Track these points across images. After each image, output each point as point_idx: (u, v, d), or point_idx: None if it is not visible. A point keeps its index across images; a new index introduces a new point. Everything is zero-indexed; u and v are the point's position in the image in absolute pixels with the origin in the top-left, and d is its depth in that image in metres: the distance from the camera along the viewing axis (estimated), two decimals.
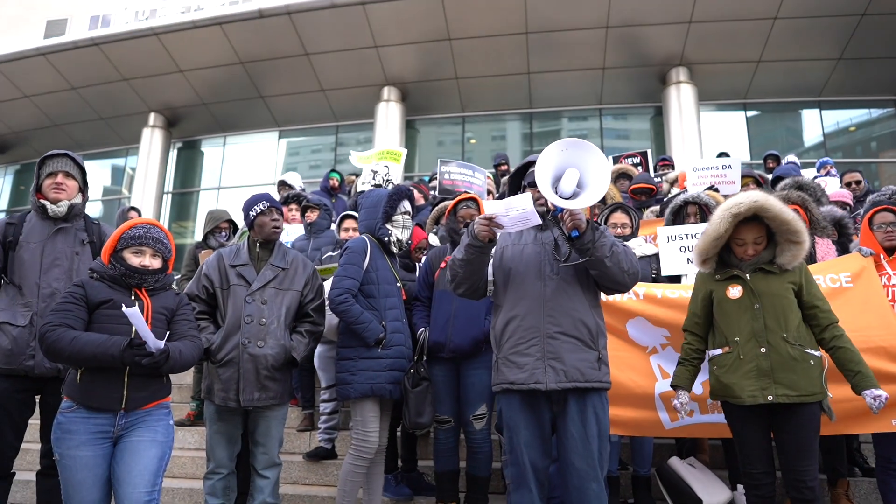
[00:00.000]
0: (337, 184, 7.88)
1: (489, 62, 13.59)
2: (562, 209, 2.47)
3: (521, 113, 15.29)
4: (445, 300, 3.73)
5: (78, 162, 3.36)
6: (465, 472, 3.83)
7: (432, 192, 6.83)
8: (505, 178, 7.73)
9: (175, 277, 4.81)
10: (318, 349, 4.50)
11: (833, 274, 3.50)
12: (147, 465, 2.58)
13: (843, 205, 5.63)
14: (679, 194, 5.11)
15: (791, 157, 9.65)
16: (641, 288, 3.67)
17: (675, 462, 3.73)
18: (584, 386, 2.53)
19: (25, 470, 4.17)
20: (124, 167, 17.28)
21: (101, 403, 2.55)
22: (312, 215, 5.73)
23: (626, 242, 4.19)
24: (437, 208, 5.05)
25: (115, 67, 14.24)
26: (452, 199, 4.88)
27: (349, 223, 4.95)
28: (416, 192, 6.58)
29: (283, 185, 8.14)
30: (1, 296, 3.17)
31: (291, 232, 5.72)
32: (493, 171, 9.36)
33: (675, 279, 4.20)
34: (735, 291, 2.91)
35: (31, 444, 3.81)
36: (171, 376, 2.88)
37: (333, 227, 5.78)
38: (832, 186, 6.82)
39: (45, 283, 3.12)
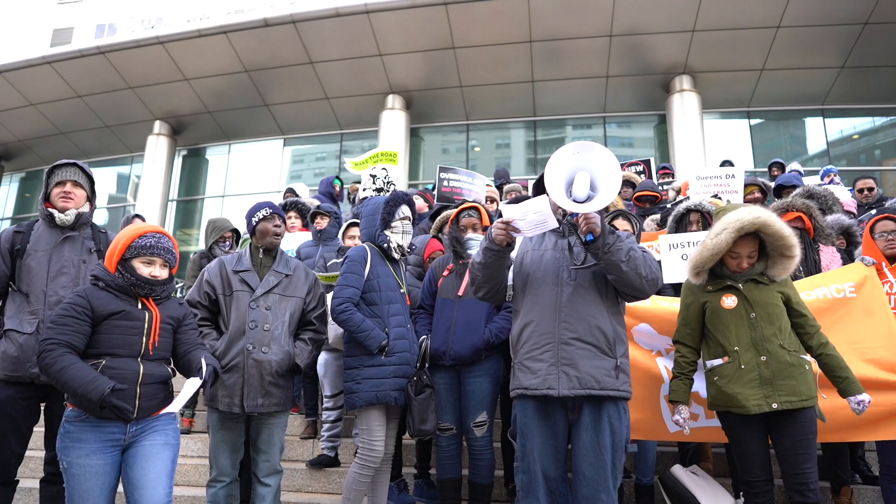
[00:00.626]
0: (338, 190, 7.88)
1: (493, 70, 13.66)
2: (577, 213, 2.48)
3: (525, 121, 15.34)
4: (447, 308, 3.74)
5: (86, 171, 3.39)
6: (467, 480, 3.82)
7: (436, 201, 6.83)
8: (508, 188, 7.74)
9: (178, 285, 4.83)
10: (324, 357, 4.50)
11: (838, 284, 3.49)
12: (162, 467, 2.61)
13: (847, 213, 5.63)
14: (681, 202, 5.11)
15: (794, 166, 9.65)
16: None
17: (677, 470, 3.71)
18: (599, 394, 2.49)
19: (28, 477, 4.18)
20: (129, 175, 17.39)
21: (111, 414, 2.52)
22: (322, 222, 5.61)
23: None
24: (439, 218, 5.04)
25: (121, 75, 14.36)
26: (451, 206, 4.90)
27: (354, 231, 4.95)
28: (421, 201, 6.59)
29: (290, 192, 8.16)
30: (8, 303, 3.20)
31: (292, 240, 5.65)
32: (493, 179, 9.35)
33: (678, 287, 4.20)
34: (730, 301, 2.92)
35: (34, 451, 3.83)
36: None
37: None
38: (837, 194, 6.81)
39: (52, 290, 3.14)
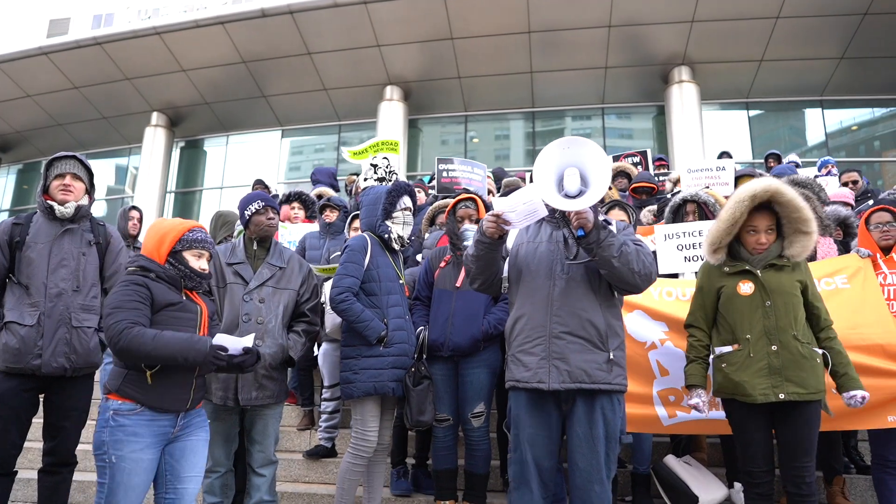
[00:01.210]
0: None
1: (492, 61, 13.61)
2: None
3: (523, 112, 15.31)
4: (445, 299, 3.75)
5: (85, 164, 3.39)
6: (464, 470, 3.85)
7: (431, 192, 6.80)
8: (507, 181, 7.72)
9: None
10: (323, 347, 4.51)
11: (828, 277, 3.51)
12: (202, 461, 2.69)
13: (844, 204, 5.63)
14: (677, 193, 5.11)
15: (792, 157, 9.64)
16: None
17: (671, 460, 3.73)
18: (590, 387, 2.49)
19: (27, 468, 4.21)
20: (127, 166, 17.36)
21: (170, 405, 2.53)
22: (332, 215, 5.46)
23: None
24: (431, 208, 5.03)
25: (118, 67, 14.31)
26: (450, 198, 4.89)
27: (359, 223, 4.93)
28: (421, 193, 6.56)
29: (259, 183, 7.86)
30: (7, 295, 3.21)
31: (295, 231, 5.61)
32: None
33: (672, 278, 4.21)
34: (746, 288, 2.87)
35: (32, 442, 3.84)
36: None
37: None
38: (832, 186, 6.82)
39: (53, 283, 3.15)
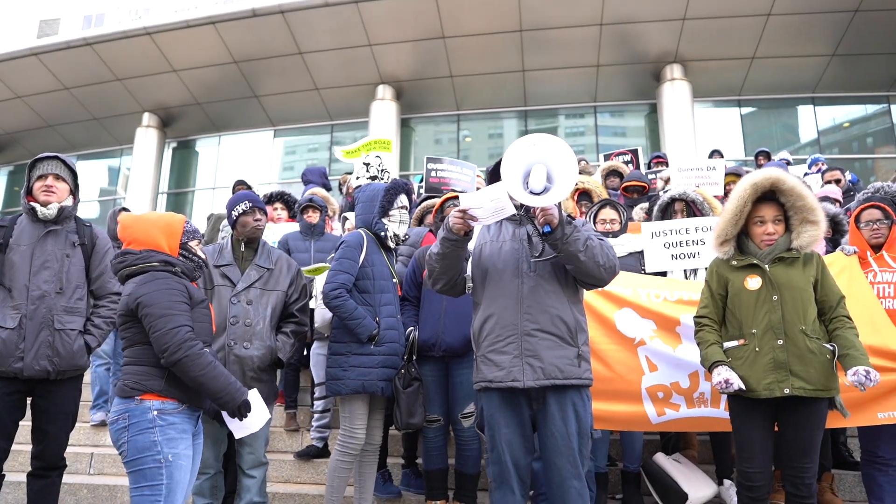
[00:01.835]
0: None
1: (484, 60, 13.61)
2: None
3: (516, 111, 15.31)
4: (435, 299, 3.73)
5: (69, 164, 3.35)
6: (454, 470, 3.85)
7: (421, 192, 6.77)
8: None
9: None
10: (315, 346, 4.49)
11: None
12: (198, 462, 2.71)
13: (832, 201, 5.65)
14: (666, 191, 5.12)
15: (783, 154, 9.68)
16: (630, 282, 3.68)
17: (660, 458, 3.74)
18: (563, 383, 2.51)
19: (17, 471, 4.19)
20: (119, 167, 17.29)
21: (204, 404, 2.60)
22: (315, 216, 5.31)
23: (614, 239, 4.23)
24: (419, 207, 5.02)
25: (109, 67, 14.24)
26: (438, 197, 4.88)
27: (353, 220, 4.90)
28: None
29: (242, 184, 7.72)
30: None
31: (277, 231, 5.57)
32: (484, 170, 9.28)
33: (660, 275, 4.22)
34: (754, 283, 2.84)
35: (23, 445, 3.83)
36: None
37: (334, 230, 5.68)
38: (818, 184, 6.85)
39: (35, 285, 3.12)
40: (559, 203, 2.48)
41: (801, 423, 2.74)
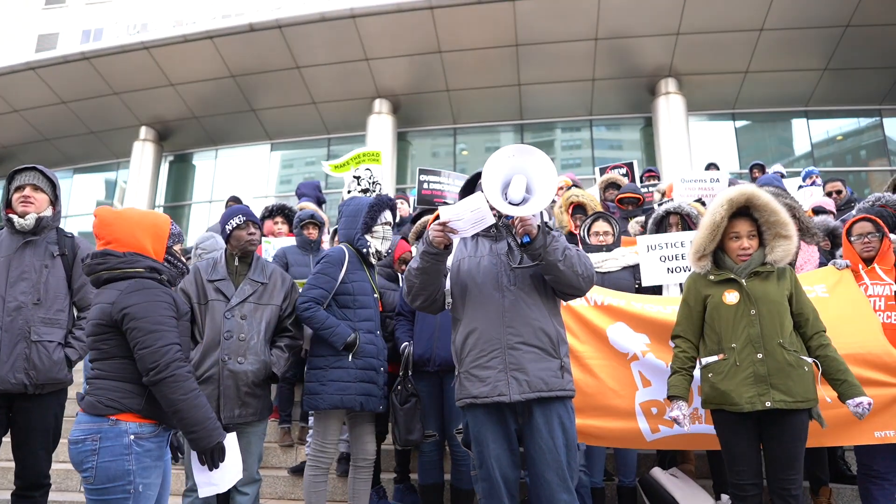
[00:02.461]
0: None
1: (480, 74, 13.68)
2: (512, 216, 2.48)
3: (512, 124, 15.37)
4: (429, 314, 3.73)
5: (48, 175, 3.30)
6: (450, 485, 3.82)
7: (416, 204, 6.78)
8: None
9: None
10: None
11: (808, 286, 3.51)
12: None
13: (825, 211, 5.67)
14: (662, 204, 5.13)
15: (777, 167, 9.71)
16: (622, 298, 3.68)
17: (657, 473, 3.72)
18: (548, 395, 2.50)
19: (6, 489, 4.14)
20: (116, 181, 17.27)
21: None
22: (315, 232, 5.37)
23: (608, 252, 4.24)
24: (419, 223, 5.02)
25: (106, 81, 14.27)
26: (433, 209, 4.88)
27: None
28: (403, 205, 6.54)
29: (234, 200, 7.68)
30: None
31: (277, 245, 5.58)
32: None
33: (656, 290, 4.21)
34: (732, 297, 2.88)
35: (9, 462, 3.78)
36: None
37: (324, 244, 5.68)
38: (818, 195, 6.87)
39: (11, 296, 3.08)
40: (539, 214, 2.48)
41: (783, 436, 2.77)
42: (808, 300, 2.97)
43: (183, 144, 16.57)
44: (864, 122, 14.43)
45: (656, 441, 3.41)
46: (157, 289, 2.30)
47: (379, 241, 3.66)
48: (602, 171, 8.52)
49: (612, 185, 7.48)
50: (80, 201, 16.81)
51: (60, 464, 3.39)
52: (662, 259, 4.19)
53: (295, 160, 16.78)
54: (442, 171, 6.52)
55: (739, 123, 14.70)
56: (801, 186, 7.52)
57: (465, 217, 2.44)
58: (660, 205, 6.14)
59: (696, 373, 3.04)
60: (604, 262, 4.18)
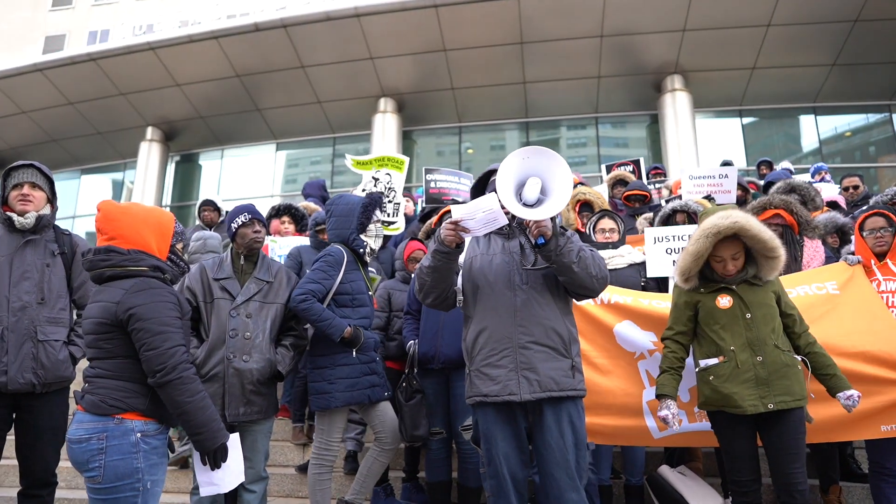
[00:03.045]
0: None
1: (485, 72, 13.66)
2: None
3: (517, 122, 15.36)
4: (433, 312, 3.72)
5: (45, 172, 3.26)
6: (457, 483, 3.81)
7: (420, 203, 6.76)
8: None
9: None
10: None
11: (818, 283, 3.48)
12: None
13: (835, 206, 5.62)
14: (669, 202, 5.10)
15: (785, 164, 9.66)
16: (629, 295, 3.65)
17: (665, 471, 3.70)
18: (559, 395, 2.49)
19: (12, 487, 4.15)
20: (122, 181, 17.37)
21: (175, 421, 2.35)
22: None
23: (614, 249, 4.22)
24: (428, 222, 5.00)
25: (113, 82, 14.34)
26: (440, 209, 4.87)
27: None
28: (410, 204, 6.52)
29: (209, 204, 7.10)
30: None
31: (284, 244, 5.55)
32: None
33: (663, 281, 4.20)
34: (725, 301, 2.93)
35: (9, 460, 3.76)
36: None
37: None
38: (828, 192, 6.81)
39: (15, 296, 3.05)
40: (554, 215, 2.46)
41: (784, 432, 2.80)
42: (790, 300, 3.04)
43: (189, 144, 16.64)
44: (872, 117, 14.32)
45: (664, 439, 3.40)
46: (163, 289, 2.27)
47: (373, 239, 3.71)
48: (608, 169, 8.48)
49: (620, 181, 7.45)
50: (88, 202, 16.90)
51: (66, 461, 3.38)
52: (669, 251, 4.17)
53: (300, 159, 16.81)
54: (446, 168, 6.50)
55: (747, 120, 14.62)
56: (809, 183, 7.45)
57: (477, 217, 2.42)
58: (667, 202, 6.11)
59: (688, 373, 3.05)
60: (610, 259, 4.17)
